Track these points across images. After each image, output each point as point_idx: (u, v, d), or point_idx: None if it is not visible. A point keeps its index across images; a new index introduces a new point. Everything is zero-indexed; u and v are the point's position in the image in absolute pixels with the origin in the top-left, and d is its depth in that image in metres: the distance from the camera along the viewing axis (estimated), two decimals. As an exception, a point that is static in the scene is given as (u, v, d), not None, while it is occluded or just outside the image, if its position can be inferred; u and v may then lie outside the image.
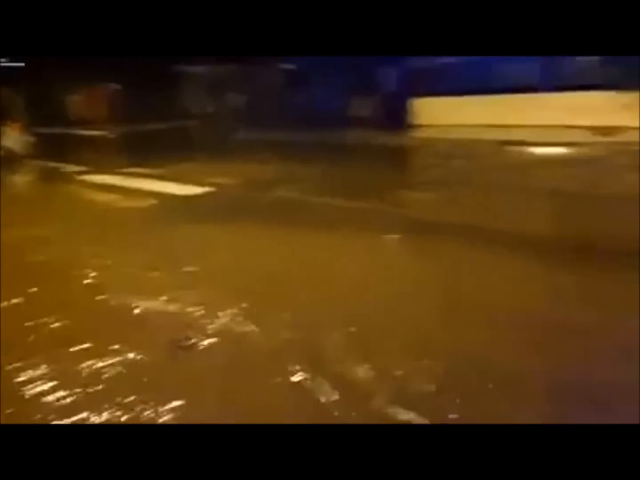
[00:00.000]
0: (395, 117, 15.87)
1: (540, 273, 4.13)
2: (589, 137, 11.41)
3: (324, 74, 17.18)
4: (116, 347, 3.13)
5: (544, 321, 3.29)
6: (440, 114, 15.25)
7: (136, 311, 3.70)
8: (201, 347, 3.14)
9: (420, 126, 15.59)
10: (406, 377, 2.71)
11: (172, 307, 3.73)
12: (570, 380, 2.66)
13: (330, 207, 6.78)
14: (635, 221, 5.11)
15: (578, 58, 12.98)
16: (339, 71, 16.41)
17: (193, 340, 3.18)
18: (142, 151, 13.22)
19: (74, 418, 2.27)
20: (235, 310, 3.62)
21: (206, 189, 8.37)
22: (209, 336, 3.27)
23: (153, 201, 7.69)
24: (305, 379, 2.72)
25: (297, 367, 2.83)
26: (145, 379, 2.78)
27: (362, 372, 2.78)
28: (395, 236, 5.35)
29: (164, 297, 3.89)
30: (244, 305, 3.70)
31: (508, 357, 2.91)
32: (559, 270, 4.14)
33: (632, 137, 10.72)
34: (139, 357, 3.03)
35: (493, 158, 10.57)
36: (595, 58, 12.83)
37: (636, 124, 11.34)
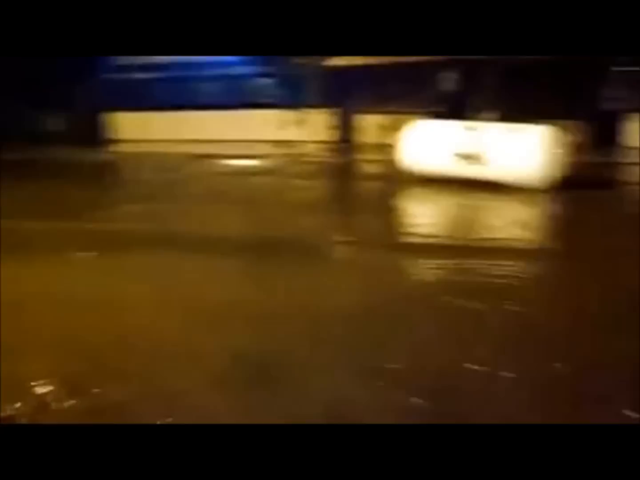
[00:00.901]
0: (90, 133, 15.47)
1: (242, 269, 4.79)
2: (270, 150, 13.12)
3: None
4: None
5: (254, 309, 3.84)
6: (136, 129, 15.38)
7: None
8: None
9: (117, 141, 15.64)
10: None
11: None
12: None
13: (21, 230, 5.97)
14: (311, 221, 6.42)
15: (257, 78, 15.05)
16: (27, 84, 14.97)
17: None
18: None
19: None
20: None
21: None
22: None
23: None
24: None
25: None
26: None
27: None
28: (92, 254, 5.21)
29: None
30: None
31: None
32: (257, 265, 4.87)
33: (303, 149, 12.89)
34: None
35: (188, 170, 11.31)
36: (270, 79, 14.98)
37: (305, 138, 13.55)
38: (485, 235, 6.19)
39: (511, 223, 6.52)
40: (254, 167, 11.70)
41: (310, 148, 13.50)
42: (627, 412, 2.45)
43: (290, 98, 14.20)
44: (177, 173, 10.89)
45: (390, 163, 10.14)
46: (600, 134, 13.18)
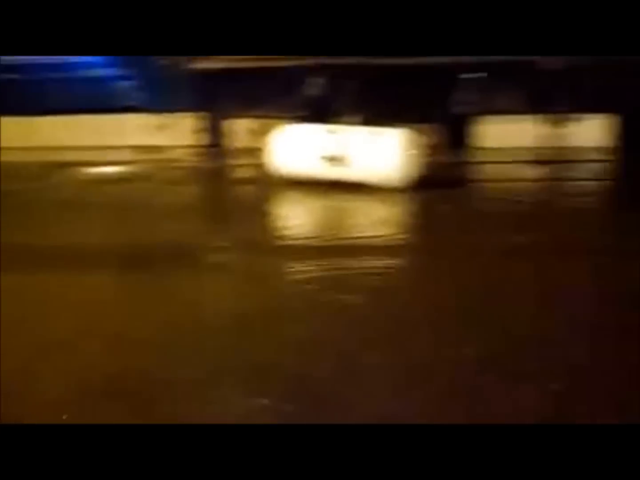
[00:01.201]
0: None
1: (112, 282, 4.73)
2: (136, 156, 12.56)
3: None
4: None
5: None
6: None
7: None
8: None
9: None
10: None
11: None
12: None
13: None
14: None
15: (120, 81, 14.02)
16: None
17: None
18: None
19: None
20: None
21: None
22: None
23: None
24: None
25: None
26: None
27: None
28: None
29: None
30: None
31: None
32: (128, 277, 4.81)
33: (170, 154, 12.55)
34: None
35: (50, 179, 10.47)
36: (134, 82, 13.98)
37: (172, 143, 13.06)
38: (352, 234, 6.53)
39: (375, 221, 6.92)
40: (120, 174, 11.28)
41: (178, 153, 13.22)
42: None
43: (156, 102, 13.78)
44: (38, 182, 10.22)
45: (260, 167, 10.25)
46: (452, 136, 14.25)
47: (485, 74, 14.59)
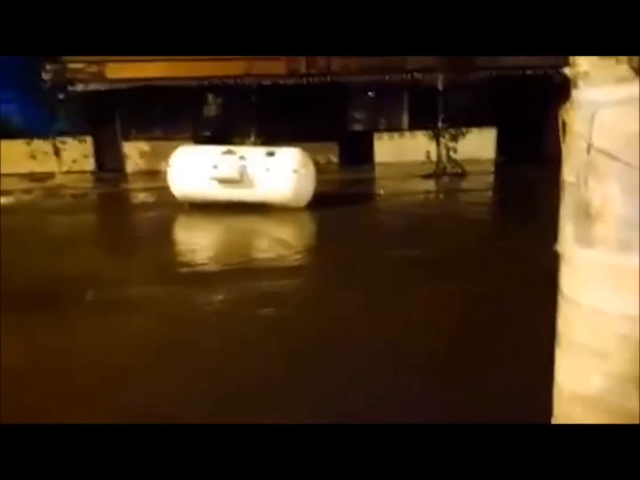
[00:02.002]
0: None
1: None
2: (24, 184, 12.28)
3: None
4: None
5: None
6: None
7: None
8: None
9: None
10: None
11: None
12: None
13: None
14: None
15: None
16: None
17: None
18: None
19: None
20: None
21: None
22: None
23: None
24: None
25: None
26: None
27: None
28: None
29: None
30: None
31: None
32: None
33: (60, 181, 12.26)
34: None
35: None
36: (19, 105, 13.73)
37: (61, 169, 12.79)
38: (254, 256, 6.51)
39: (274, 242, 6.94)
40: (6, 203, 10.51)
41: (67, 179, 12.62)
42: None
43: (41, 126, 13.02)
44: None
45: (157, 191, 10.03)
46: (347, 153, 14.67)
47: (377, 92, 15.24)
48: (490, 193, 11.50)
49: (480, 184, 11.70)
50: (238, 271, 5.64)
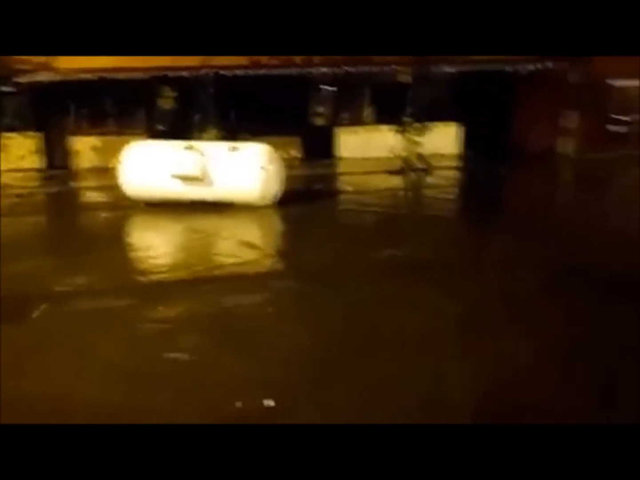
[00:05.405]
0: None
1: None
2: None
3: None
4: None
5: None
6: None
7: None
8: None
9: None
10: None
11: None
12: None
13: None
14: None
15: None
16: None
17: None
18: None
19: None
20: None
21: None
22: None
23: None
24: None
25: None
26: None
27: None
28: None
29: None
30: None
31: None
32: None
33: (5, 180, 11.41)
34: None
35: None
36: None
37: (6, 167, 12.40)
38: (217, 262, 6.00)
39: (239, 244, 6.46)
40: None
41: (13, 178, 11.84)
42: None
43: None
44: None
45: (111, 189, 9.40)
46: (312, 148, 14.26)
47: (342, 86, 14.91)
48: (456, 189, 11.32)
49: (446, 180, 11.51)
50: (200, 280, 5.16)
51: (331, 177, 12.03)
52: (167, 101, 14.51)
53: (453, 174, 12.36)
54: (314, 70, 13.71)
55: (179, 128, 12.45)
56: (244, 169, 7.87)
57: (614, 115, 13.80)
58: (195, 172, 7.84)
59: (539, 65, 12.89)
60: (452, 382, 3.13)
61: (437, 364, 3.37)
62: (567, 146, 13.45)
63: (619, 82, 13.73)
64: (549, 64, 12.79)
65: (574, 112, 13.25)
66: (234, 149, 8.07)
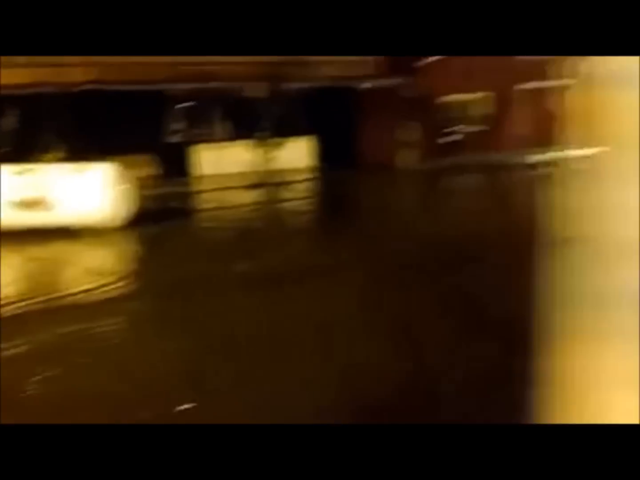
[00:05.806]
0: None
1: None
2: None
3: None
4: None
5: None
6: None
7: None
8: None
9: None
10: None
11: None
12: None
13: None
14: None
15: None
16: None
17: None
18: None
19: None
20: None
21: None
22: None
23: None
24: None
25: None
26: None
27: None
28: None
29: None
30: None
31: None
32: None
33: None
34: None
35: None
36: None
37: None
38: (64, 291, 5.67)
39: (88, 271, 6.17)
40: None
41: None
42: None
43: None
44: None
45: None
46: (167, 166, 13.95)
47: (195, 103, 14.73)
48: (310, 201, 11.71)
49: (300, 192, 11.89)
50: (45, 311, 4.87)
51: (188, 195, 11.88)
52: (3, 121, 13.42)
53: (306, 186, 12.76)
54: (168, 86, 13.49)
55: (16, 150, 11.58)
56: (88, 190, 7.55)
57: (444, 129, 15.14)
58: (35, 196, 7.38)
59: (381, 82, 13.77)
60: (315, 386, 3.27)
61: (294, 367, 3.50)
62: (406, 158, 14.44)
63: (445, 98, 15.12)
64: (386, 81, 13.71)
65: (411, 125, 14.29)
66: (78, 170, 7.71)
